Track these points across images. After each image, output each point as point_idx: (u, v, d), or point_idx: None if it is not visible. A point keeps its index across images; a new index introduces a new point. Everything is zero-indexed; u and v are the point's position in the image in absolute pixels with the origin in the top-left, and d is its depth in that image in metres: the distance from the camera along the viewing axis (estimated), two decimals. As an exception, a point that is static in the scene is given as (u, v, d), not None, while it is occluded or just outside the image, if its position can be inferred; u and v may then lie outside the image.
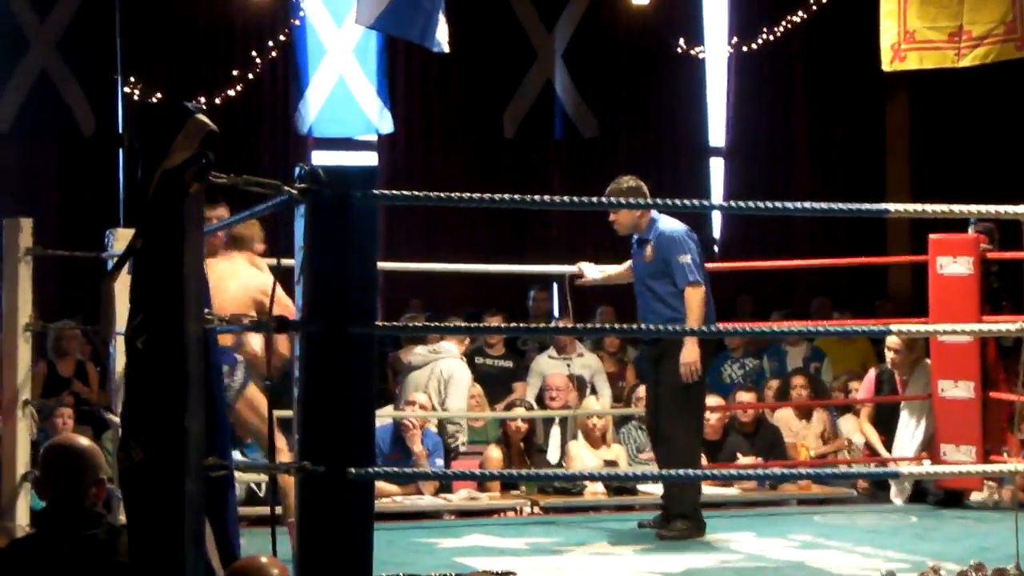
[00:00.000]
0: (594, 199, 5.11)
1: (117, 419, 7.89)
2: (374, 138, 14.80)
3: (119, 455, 4.20)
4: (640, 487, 9.51)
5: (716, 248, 15.33)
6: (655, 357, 8.28)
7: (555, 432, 10.42)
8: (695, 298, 7.97)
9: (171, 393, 4.12)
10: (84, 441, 4.70)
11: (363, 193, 4.23)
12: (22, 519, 7.81)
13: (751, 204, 5.29)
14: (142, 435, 4.13)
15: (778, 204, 5.17)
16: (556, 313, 12.93)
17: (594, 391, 10.93)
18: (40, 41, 13.78)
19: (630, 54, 15.44)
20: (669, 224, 8.23)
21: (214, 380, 4.45)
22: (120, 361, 7.67)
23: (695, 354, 7.99)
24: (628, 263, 8.57)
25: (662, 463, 8.24)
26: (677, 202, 5.21)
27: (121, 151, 14.04)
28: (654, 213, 8.25)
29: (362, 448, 4.29)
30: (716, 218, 15.58)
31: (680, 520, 8.11)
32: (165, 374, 4.13)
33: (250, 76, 14.05)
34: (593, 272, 8.83)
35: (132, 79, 13.78)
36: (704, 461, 9.86)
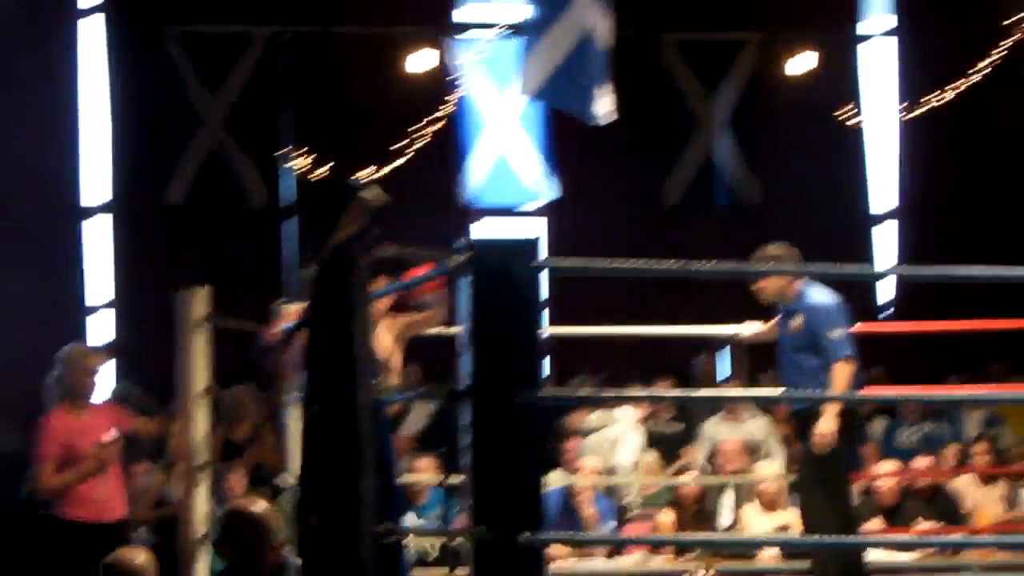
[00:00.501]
0: (753, 266, 5.09)
1: (290, 482, 8.05)
2: (537, 206, 14.92)
3: (296, 520, 4.29)
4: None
5: (881, 315, 15.18)
6: (799, 429, 8.01)
7: (728, 496, 10.35)
8: (844, 373, 7.66)
9: (344, 460, 4.20)
10: (261, 506, 4.81)
11: (524, 263, 4.27)
12: (201, 582, 7.95)
13: (945, 270, 5.14)
14: (318, 501, 4.22)
15: (957, 270, 5.07)
16: (723, 376, 12.87)
17: (767, 454, 10.84)
18: (212, 117, 14.14)
19: (791, 121, 15.34)
20: (821, 296, 7.90)
21: (386, 447, 4.56)
22: (293, 427, 7.83)
23: (832, 426, 7.64)
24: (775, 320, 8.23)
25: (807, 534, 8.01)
26: (847, 268, 5.12)
27: (289, 223, 14.33)
28: (806, 282, 7.93)
29: (533, 513, 4.31)
30: (880, 284, 15.42)
31: None
32: (338, 442, 4.22)
33: (414, 149, 14.24)
34: (754, 328, 8.44)
35: (300, 153, 14.07)
36: (881, 525, 9.71)
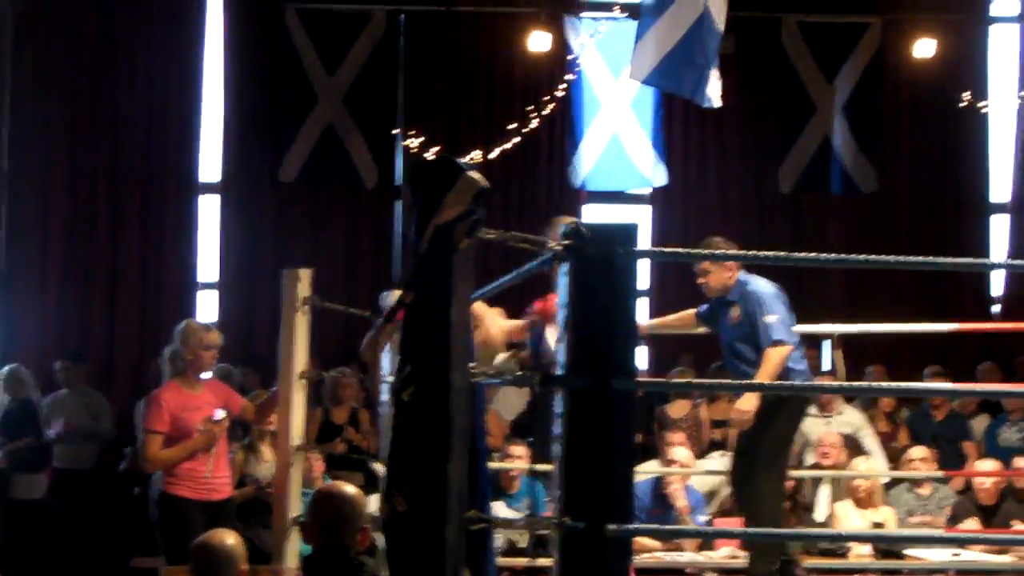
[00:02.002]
0: (872, 256, 4.97)
1: (379, 467, 8.08)
2: (648, 191, 14.84)
3: (383, 505, 4.27)
4: (908, 552, 9.27)
5: (996, 307, 14.95)
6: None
7: (824, 491, 10.25)
8: (774, 358, 7.86)
9: (435, 445, 4.18)
10: (351, 488, 4.81)
11: (625, 250, 4.21)
12: (291, 562, 8.00)
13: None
14: (406, 486, 4.20)
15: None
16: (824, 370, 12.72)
17: (861, 450, 10.71)
18: (328, 95, 14.21)
19: (912, 107, 15.12)
20: (757, 284, 8.10)
21: (477, 433, 4.55)
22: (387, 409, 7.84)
23: (751, 404, 7.89)
24: (685, 313, 8.50)
25: (745, 523, 8.17)
26: (960, 260, 5.01)
27: (400, 204, 14.37)
28: (742, 274, 8.12)
29: (622, 504, 4.26)
30: (996, 275, 15.15)
31: None
32: (430, 426, 4.20)
33: (526, 130, 14.20)
34: (647, 322, 8.73)
35: (412, 133, 14.09)
36: (977, 525, 9.59)
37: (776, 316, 7.95)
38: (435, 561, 4.15)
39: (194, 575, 5.23)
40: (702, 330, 8.60)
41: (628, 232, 4.29)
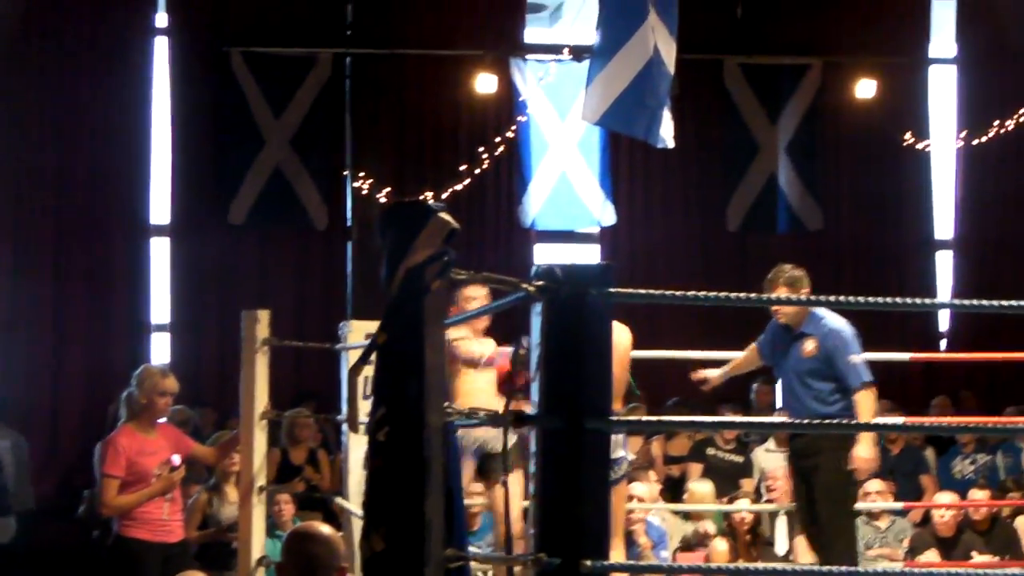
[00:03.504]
0: (830, 297, 5.04)
1: (346, 504, 8.08)
2: (596, 230, 14.93)
3: (361, 545, 4.29)
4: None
5: (943, 343, 15.12)
6: (809, 452, 8.04)
7: (781, 524, 10.30)
8: (870, 399, 7.77)
9: (412, 485, 4.21)
10: (326, 529, 4.79)
11: (599, 291, 4.24)
12: (256, 603, 8.01)
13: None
14: (383, 526, 4.23)
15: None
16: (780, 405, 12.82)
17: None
18: (275, 138, 14.21)
19: (855, 147, 15.29)
20: (835, 321, 7.95)
21: (452, 471, 4.58)
22: (353, 450, 7.86)
23: (871, 452, 7.82)
24: (749, 349, 8.39)
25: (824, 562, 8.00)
26: (909, 300, 5.08)
27: (351, 244, 14.38)
28: (816, 309, 7.95)
29: (596, 542, 4.31)
30: (943, 311, 15.34)
31: None
32: (406, 466, 4.22)
33: (476, 171, 14.26)
34: (714, 374, 8.53)
35: (362, 174, 14.13)
36: (937, 557, 9.68)
37: (859, 356, 7.82)
38: (414, 600, 4.18)
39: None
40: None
41: (602, 273, 4.33)
